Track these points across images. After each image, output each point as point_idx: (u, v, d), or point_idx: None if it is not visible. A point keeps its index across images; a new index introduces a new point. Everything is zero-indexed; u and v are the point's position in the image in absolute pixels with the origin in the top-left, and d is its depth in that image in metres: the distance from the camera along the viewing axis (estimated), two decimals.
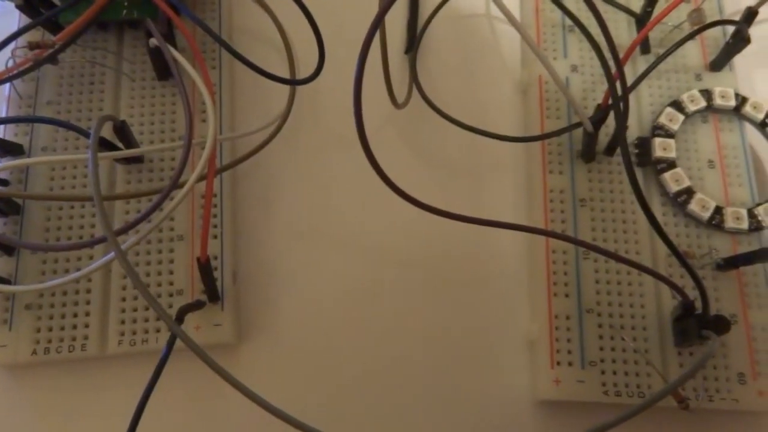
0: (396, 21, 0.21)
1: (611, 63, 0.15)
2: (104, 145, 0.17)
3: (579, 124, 0.17)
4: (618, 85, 0.15)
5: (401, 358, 0.17)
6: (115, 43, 0.20)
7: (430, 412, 0.17)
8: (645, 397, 0.16)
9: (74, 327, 0.16)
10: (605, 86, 0.17)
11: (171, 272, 0.17)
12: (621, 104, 0.16)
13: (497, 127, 0.18)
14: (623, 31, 0.20)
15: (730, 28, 0.19)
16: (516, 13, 0.21)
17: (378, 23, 0.12)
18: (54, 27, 0.19)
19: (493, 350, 0.17)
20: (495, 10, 0.17)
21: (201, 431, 0.17)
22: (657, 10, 0.20)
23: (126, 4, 0.19)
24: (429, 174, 0.19)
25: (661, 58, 0.17)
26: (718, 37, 0.20)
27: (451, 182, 0.19)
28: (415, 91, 0.19)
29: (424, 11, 0.21)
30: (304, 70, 0.18)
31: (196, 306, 0.16)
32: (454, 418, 0.17)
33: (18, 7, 0.18)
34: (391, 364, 0.17)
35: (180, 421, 0.16)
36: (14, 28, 0.19)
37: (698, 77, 0.20)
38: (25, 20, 0.19)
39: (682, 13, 0.20)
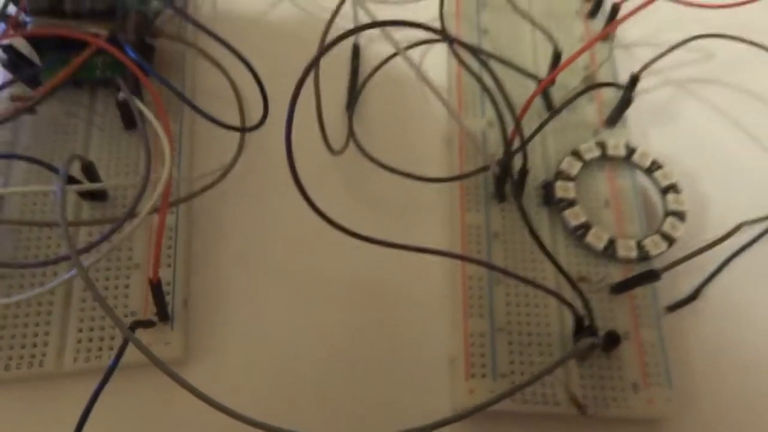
0: (340, 84, 0.24)
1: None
2: (73, 182, 0.19)
3: (487, 168, 0.20)
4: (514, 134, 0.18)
5: (336, 373, 0.19)
6: (88, 99, 0.22)
7: (360, 423, 0.18)
8: (548, 405, 0.18)
9: (34, 345, 0.18)
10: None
11: (126, 296, 0.19)
12: (521, 151, 0.19)
13: (426, 173, 0.21)
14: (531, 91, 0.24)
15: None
16: (443, 77, 0.25)
17: (309, 70, 0.15)
18: (33, 82, 0.22)
19: (419, 368, 0.19)
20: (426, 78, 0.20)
21: None
22: (559, 76, 0.24)
23: (99, 65, 0.22)
24: (364, 213, 0.22)
25: (554, 113, 0.20)
26: (612, 98, 0.24)
27: (384, 220, 0.22)
28: (353, 141, 0.22)
29: (364, 76, 0.24)
30: (255, 121, 0.21)
31: (147, 323, 0.18)
32: (381, 427, 0.18)
33: (2, 65, 0.21)
34: (328, 378, 0.19)
35: None
36: None
37: (596, 132, 0.23)
38: (8, 76, 0.21)
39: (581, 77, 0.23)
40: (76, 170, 0.20)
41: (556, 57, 0.23)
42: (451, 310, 0.20)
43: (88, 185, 0.18)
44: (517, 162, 0.20)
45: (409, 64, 0.21)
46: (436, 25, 0.24)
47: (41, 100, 0.20)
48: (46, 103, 0.21)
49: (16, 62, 0.21)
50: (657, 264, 0.20)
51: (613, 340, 0.18)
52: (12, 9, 0.22)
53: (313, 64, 0.15)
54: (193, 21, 0.21)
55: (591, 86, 0.22)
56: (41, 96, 0.20)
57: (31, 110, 0.20)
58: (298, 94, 0.15)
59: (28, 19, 0.21)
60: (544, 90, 0.23)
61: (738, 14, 0.24)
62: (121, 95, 0.19)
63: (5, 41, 0.21)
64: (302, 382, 0.19)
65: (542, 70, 0.24)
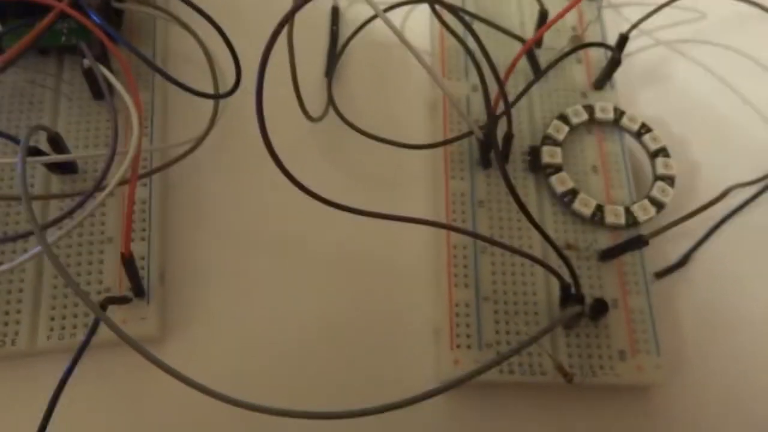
0: (319, 49, 0.23)
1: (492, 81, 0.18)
2: (39, 154, 0.18)
3: (471, 134, 0.20)
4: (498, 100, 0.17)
5: (319, 347, 0.19)
6: (55, 67, 0.21)
7: (344, 394, 0.18)
8: (535, 375, 0.18)
9: (6, 324, 0.17)
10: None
11: (100, 272, 0.18)
12: (506, 116, 0.18)
13: (409, 140, 0.20)
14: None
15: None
16: (426, 40, 0.24)
17: (279, 29, 0.14)
18: None
19: (404, 338, 0.19)
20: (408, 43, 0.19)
21: (125, 425, 0.18)
22: (546, 37, 0.23)
23: (65, 31, 0.21)
24: (345, 182, 0.21)
25: (539, 76, 0.19)
26: (601, 60, 0.23)
27: (366, 190, 0.21)
28: (332, 107, 0.21)
29: (343, 39, 0.23)
30: (229, 87, 0.20)
31: (122, 300, 0.17)
32: (366, 400, 0.18)
33: None
34: (309, 353, 0.19)
35: (103, 415, 0.17)
36: None
37: (584, 95, 0.22)
38: None
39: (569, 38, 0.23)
40: (43, 142, 0.19)
41: (543, 16, 0.22)
42: (436, 280, 0.19)
43: (53, 157, 0.18)
44: (502, 127, 0.20)
45: (390, 27, 0.20)
46: None
47: (4, 68, 0.19)
48: (10, 72, 0.21)
49: None
50: (646, 230, 0.20)
51: (600, 308, 0.18)
52: None
53: (286, 21, 0.14)
54: None
55: (578, 46, 0.21)
56: (3, 64, 0.19)
57: None
58: (269, 53, 0.14)
59: None
60: (530, 51, 0.22)
61: None
62: (86, 63, 0.18)
63: None
64: (284, 356, 0.18)
65: (528, 31, 0.24)
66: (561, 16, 0.20)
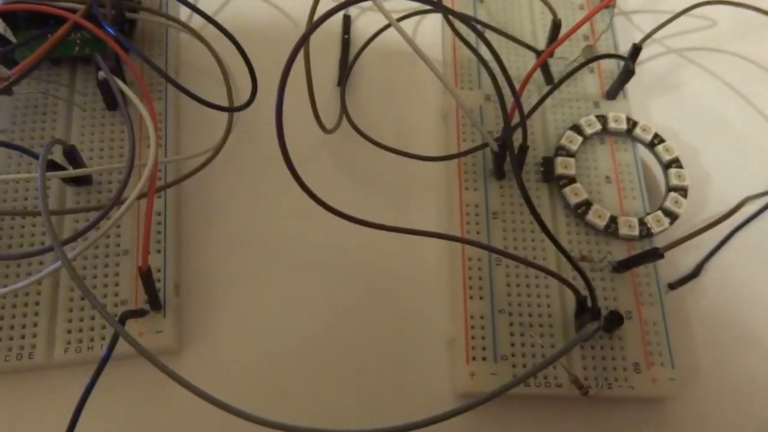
0: (330, 58, 0.23)
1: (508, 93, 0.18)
2: (55, 167, 0.18)
3: (486, 145, 0.20)
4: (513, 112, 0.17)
5: (335, 358, 0.19)
6: (68, 77, 0.21)
7: (360, 405, 0.18)
8: (550, 387, 0.18)
9: (23, 337, 0.17)
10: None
11: (117, 284, 0.18)
12: (520, 127, 0.18)
13: (422, 150, 0.20)
14: (529, 66, 0.23)
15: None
16: (438, 49, 0.24)
17: (298, 49, 0.14)
18: (10, 62, 0.21)
19: (417, 350, 0.19)
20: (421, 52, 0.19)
21: None
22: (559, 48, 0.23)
23: (78, 42, 0.21)
24: (359, 193, 0.21)
25: (554, 87, 0.19)
26: (614, 70, 0.23)
27: (380, 200, 0.21)
28: (346, 118, 0.21)
29: (355, 49, 0.23)
30: (244, 100, 0.20)
31: (139, 313, 0.17)
32: (381, 412, 0.18)
33: None
34: (325, 363, 0.19)
35: (120, 427, 0.17)
36: None
37: (596, 105, 0.22)
38: None
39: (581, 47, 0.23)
40: (58, 154, 0.19)
41: (555, 27, 0.22)
42: (450, 292, 0.19)
43: (73, 171, 0.17)
44: (515, 137, 0.20)
45: (403, 36, 0.20)
46: None
47: (18, 80, 0.19)
48: (22, 83, 0.20)
49: None
50: (659, 240, 0.20)
51: (615, 321, 0.18)
52: None
53: (301, 44, 0.14)
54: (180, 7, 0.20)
55: (591, 59, 0.21)
56: (19, 75, 0.19)
57: (6, 91, 0.19)
58: (287, 77, 0.14)
59: None
60: (543, 62, 0.22)
61: None
62: (101, 75, 0.18)
63: None
64: (300, 367, 0.19)
65: (540, 40, 0.24)
66: (574, 30, 0.19)
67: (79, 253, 0.16)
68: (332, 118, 0.21)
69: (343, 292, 0.20)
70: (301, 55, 0.20)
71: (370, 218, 0.16)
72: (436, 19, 0.24)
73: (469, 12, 0.24)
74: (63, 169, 0.18)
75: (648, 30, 0.22)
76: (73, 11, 0.19)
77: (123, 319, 0.16)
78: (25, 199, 0.19)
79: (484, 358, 0.18)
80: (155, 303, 0.18)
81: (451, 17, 0.23)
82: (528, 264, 0.17)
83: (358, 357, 0.19)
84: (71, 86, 0.21)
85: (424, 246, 0.20)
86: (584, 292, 0.18)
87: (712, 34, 0.25)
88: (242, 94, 0.21)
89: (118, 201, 0.16)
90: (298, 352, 0.19)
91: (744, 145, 0.23)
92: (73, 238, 0.16)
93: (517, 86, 0.19)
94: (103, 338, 0.18)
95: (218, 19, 0.20)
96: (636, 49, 0.21)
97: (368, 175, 0.21)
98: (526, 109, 0.21)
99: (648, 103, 0.24)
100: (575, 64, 0.22)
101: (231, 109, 0.19)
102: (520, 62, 0.23)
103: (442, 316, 0.19)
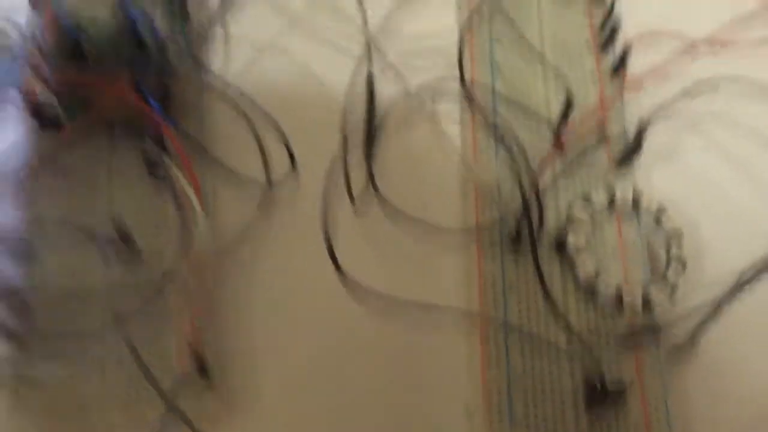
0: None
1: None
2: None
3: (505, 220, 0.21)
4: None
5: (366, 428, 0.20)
6: (106, 140, 0.22)
7: None
8: None
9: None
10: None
11: (161, 357, 0.19)
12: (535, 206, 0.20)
13: (440, 219, 0.22)
14: (544, 138, 0.24)
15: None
16: (456, 124, 0.25)
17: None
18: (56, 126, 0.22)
19: (438, 422, 0.20)
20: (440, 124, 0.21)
21: None
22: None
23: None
24: (381, 261, 0.22)
25: (567, 166, 0.21)
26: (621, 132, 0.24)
27: (399, 267, 0.22)
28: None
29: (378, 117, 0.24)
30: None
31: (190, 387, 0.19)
32: None
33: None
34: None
35: None
36: None
37: (605, 173, 0.24)
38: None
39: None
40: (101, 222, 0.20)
41: (568, 103, 0.23)
42: (468, 363, 0.21)
43: (126, 250, 0.19)
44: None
45: (422, 108, 0.21)
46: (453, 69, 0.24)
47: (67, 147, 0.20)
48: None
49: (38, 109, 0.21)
50: (661, 313, 0.21)
51: (617, 396, 0.20)
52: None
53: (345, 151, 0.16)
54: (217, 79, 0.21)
55: (601, 139, 0.23)
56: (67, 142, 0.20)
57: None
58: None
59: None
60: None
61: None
62: (150, 155, 0.20)
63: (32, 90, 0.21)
64: None
65: (554, 108, 0.25)
66: (586, 121, 0.21)
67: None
68: (357, 189, 0.23)
69: (369, 366, 0.21)
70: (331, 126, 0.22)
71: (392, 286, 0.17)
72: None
73: (487, 80, 0.25)
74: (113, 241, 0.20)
75: (656, 100, 0.24)
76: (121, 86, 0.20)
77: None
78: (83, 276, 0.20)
79: (500, 421, 0.20)
80: (203, 377, 0.19)
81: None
82: (540, 341, 0.19)
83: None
84: (111, 151, 0.22)
85: (446, 319, 0.21)
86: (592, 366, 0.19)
87: (713, 101, 0.26)
88: (275, 165, 0.22)
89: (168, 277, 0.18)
90: (331, 420, 0.20)
91: (742, 216, 0.24)
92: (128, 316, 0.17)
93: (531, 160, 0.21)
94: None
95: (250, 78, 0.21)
96: (643, 127, 0.23)
97: (390, 244, 0.23)
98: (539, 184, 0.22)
99: (650, 170, 0.25)
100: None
101: (269, 186, 0.20)
102: (534, 134, 0.24)
103: (461, 388, 0.20)
